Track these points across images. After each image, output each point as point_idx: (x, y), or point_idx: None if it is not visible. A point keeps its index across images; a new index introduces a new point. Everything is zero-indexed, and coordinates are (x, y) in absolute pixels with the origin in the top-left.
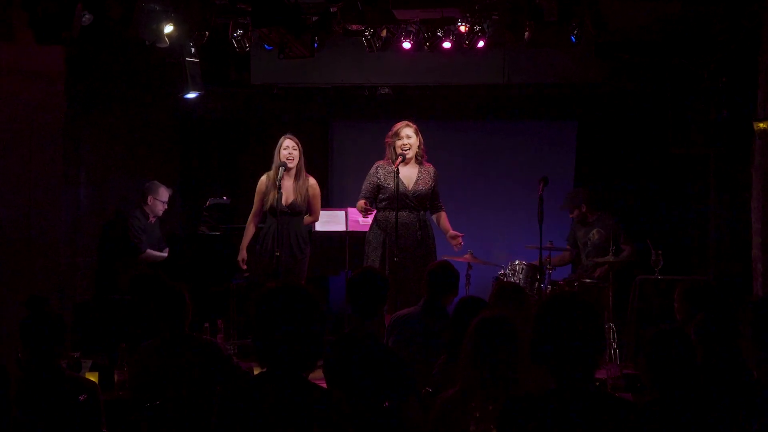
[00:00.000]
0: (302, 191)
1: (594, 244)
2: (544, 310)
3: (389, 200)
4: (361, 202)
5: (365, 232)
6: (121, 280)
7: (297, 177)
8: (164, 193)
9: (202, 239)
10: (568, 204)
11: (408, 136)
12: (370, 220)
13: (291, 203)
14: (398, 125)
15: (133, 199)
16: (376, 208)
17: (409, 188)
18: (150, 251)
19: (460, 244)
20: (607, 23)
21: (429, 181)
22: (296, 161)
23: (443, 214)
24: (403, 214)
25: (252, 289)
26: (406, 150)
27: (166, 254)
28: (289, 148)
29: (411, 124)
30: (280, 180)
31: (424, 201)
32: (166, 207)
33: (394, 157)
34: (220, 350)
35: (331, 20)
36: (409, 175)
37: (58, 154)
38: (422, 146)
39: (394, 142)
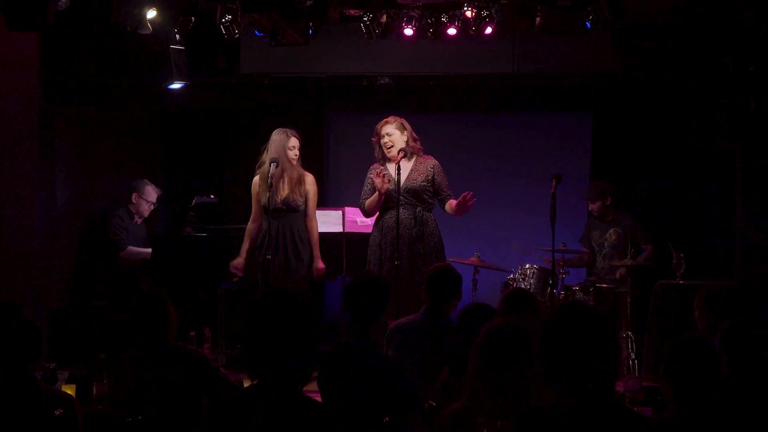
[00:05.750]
0: (299, 185)
1: (612, 245)
2: (549, 327)
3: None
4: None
5: (364, 234)
6: (100, 286)
7: (292, 171)
8: (151, 193)
9: (187, 241)
10: (592, 193)
11: (388, 134)
12: (368, 220)
13: (285, 198)
14: (379, 124)
15: (112, 198)
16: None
17: (400, 185)
18: (132, 248)
19: (470, 196)
20: (625, 8)
21: (424, 173)
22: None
23: (452, 201)
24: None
25: (243, 294)
26: (389, 147)
27: (150, 250)
28: (295, 149)
29: (393, 119)
30: (272, 178)
31: (418, 195)
32: (153, 208)
33: (380, 157)
34: (207, 361)
35: (327, 5)
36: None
37: (32, 150)
38: (414, 140)
39: (379, 141)
